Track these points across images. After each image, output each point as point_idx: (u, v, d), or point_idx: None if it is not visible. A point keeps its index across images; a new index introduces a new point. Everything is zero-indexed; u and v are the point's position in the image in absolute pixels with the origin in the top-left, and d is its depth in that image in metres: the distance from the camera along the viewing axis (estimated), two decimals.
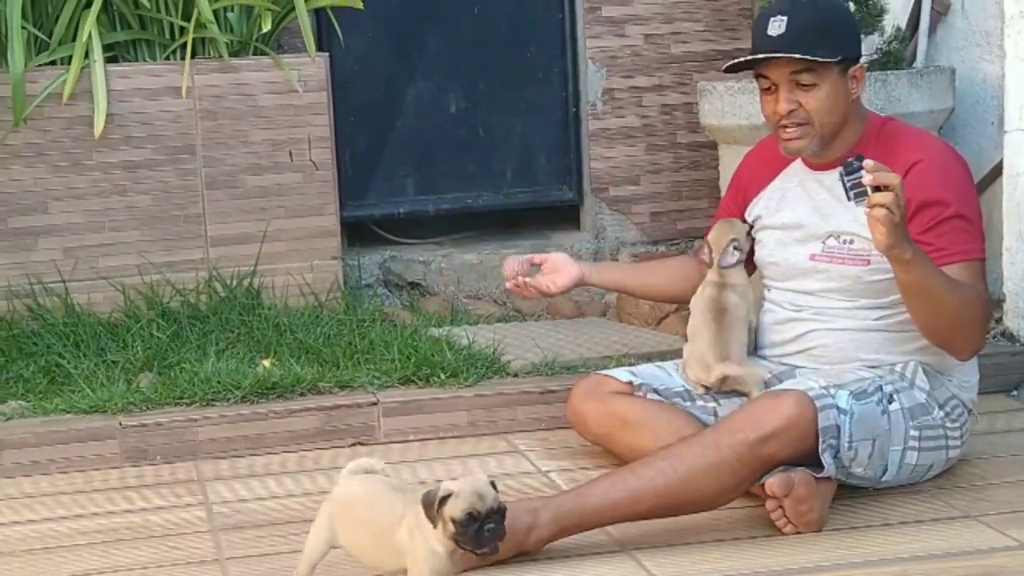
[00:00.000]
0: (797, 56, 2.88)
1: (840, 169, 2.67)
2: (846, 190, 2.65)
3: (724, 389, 3.08)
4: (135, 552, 2.79)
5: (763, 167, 3.17)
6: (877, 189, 2.61)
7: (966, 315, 2.81)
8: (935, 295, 2.76)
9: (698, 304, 3.13)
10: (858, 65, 2.96)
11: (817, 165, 3.04)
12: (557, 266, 3.31)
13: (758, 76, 2.98)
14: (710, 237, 3.17)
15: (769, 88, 2.96)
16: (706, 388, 3.10)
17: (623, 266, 3.53)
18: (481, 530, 2.33)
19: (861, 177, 2.62)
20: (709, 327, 3.07)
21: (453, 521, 2.32)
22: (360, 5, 4.27)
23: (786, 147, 3.00)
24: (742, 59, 2.97)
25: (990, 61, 4.08)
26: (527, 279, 3.27)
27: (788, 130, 2.96)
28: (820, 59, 2.89)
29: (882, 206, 2.60)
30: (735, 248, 3.12)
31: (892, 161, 2.91)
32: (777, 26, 2.90)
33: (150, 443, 3.37)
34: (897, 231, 2.64)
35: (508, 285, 3.31)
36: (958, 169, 2.95)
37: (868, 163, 2.62)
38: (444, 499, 2.32)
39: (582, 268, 3.32)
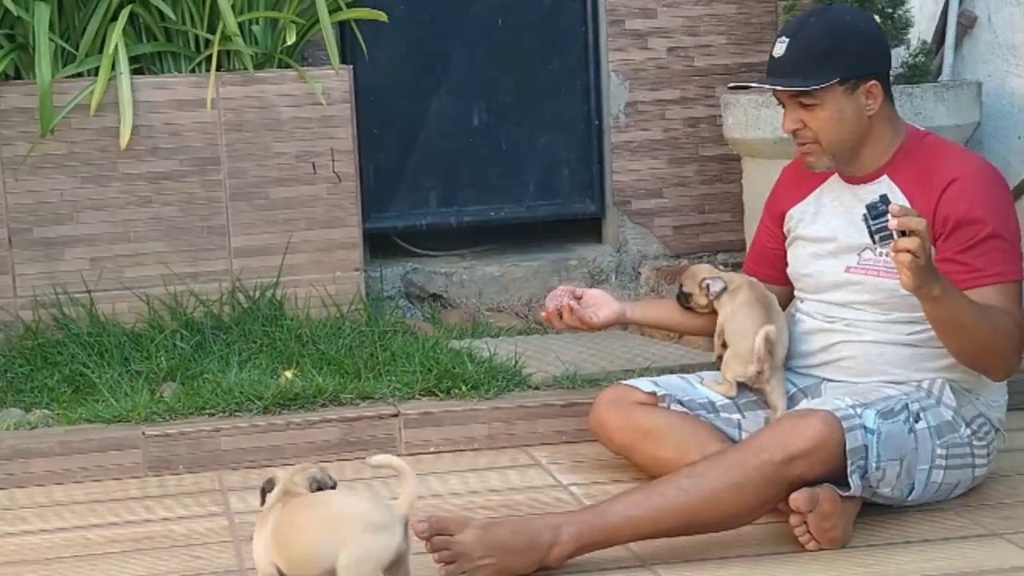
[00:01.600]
0: (778, 88, 2.92)
1: (864, 212, 2.64)
2: (871, 233, 2.63)
3: (756, 386, 3.07)
4: (157, 561, 2.80)
5: (800, 180, 3.16)
6: (903, 232, 2.59)
7: (999, 343, 2.79)
8: (966, 326, 2.75)
9: (740, 305, 3.13)
10: (871, 82, 2.92)
11: (852, 179, 3.03)
12: (597, 300, 3.30)
13: (773, 94, 3.02)
14: (686, 287, 3.23)
15: (781, 104, 2.99)
16: (739, 388, 3.10)
17: (662, 303, 3.51)
18: None
19: (886, 221, 2.59)
20: (758, 318, 3.08)
21: None
22: (385, 18, 4.28)
23: (804, 162, 3.01)
24: (737, 84, 3.12)
25: (1017, 75, 4.06)
26: (571, 303, 3.24)
27: (799, 146, 2.98)
28: (797, 88, 2.88)
29: (908, 251, 2.59)
30: (710, 282, 3.17)
31: (929, 177, 2.90)
32: (779, 48, 2.93)
33: (173, 453, 3.38)
34: (923, 272, 2.62)
35: (546, 313, 3.26)
36: (997, 188, 2.92)
37: (894, 207, 2.59)
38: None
39: (623, 305, 3.33)
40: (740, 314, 3.11)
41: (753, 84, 3.04)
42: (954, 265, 2.83)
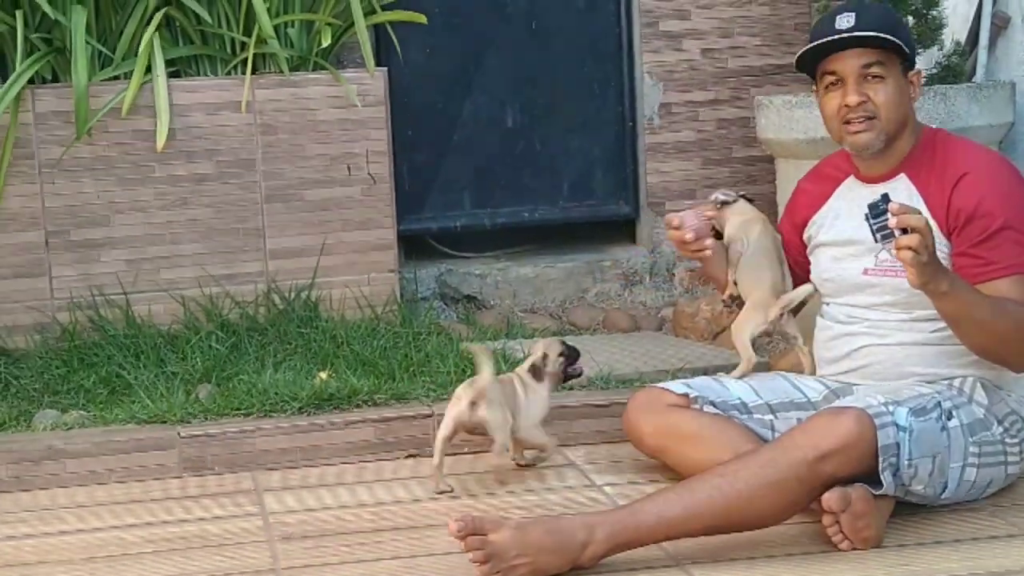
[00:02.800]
0: (873, 35, 2.90)
1: (866, 211, 2.66)
2: (872, 232, 2.65)
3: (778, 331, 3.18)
4: (192, 561, 2.82)
5: (816, 188, 3.17)
6: (905, 231, 2.60)
7: (1016, 335, 2.79)
8: (979, 320, 2.75)
9: (756, 246, 3.18)
10: (916, 70, 2.99)
11: (870, 178, 3.03)
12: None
13: (823, 74, 2.99)
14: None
15: (835, 83, 2.97)
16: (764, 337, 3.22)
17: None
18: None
19: (887, 220, 2.61)
20: (773, 266, 3.16)
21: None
22: (424, 20, 4.30)
23: (853, 142, 2.99)
24: (817, 42, 2.97)
25: None
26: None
27: (855, 124, 2.96)
28: (896, 42, 2.91)
29: (909, 248, 2.59)
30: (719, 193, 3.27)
31: (941, 174, 2.91)
32: (847, 20, 2.93)
33: (208, 453, 3.40)
34: (927, 269, 2.63)
35: (689, 236, 3.16)
36: (1008, 180, 2.93)
37: (893, 206, 2.61)
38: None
39: None
40: (756, 256, 3.17)
41: (835, 36, 2.94)
42: (967, 259, 2.83)
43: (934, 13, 4.01)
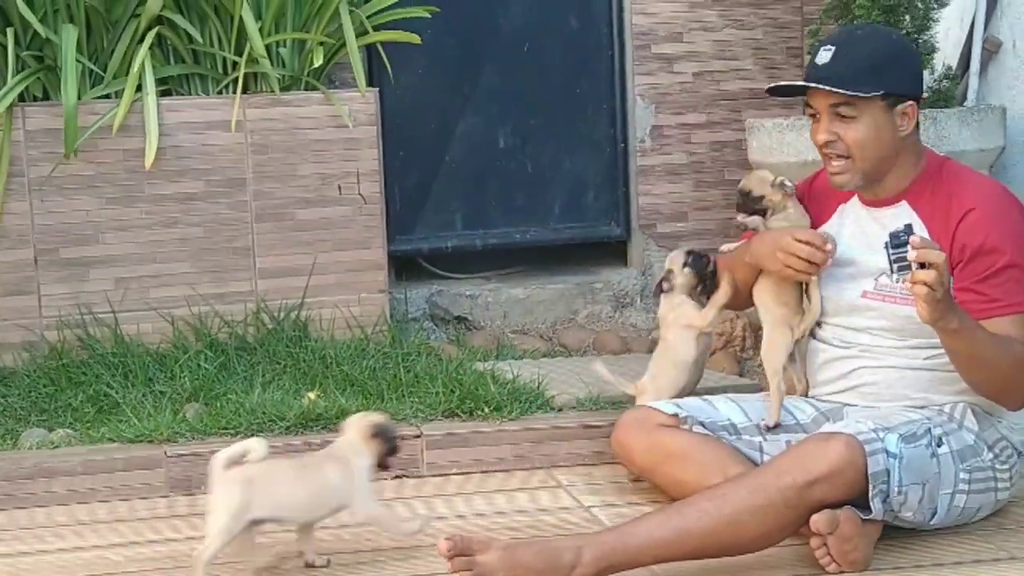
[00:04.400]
0: (826, 89, 2.89)
1: (886, 240, 2.64)
2: (890, 262, 2.63)
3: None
4: None
5: (822, 199, 3.16)
6: (922, 265, 2.58)
7: (1016, 375, 2.79)
8: (983, 359, 2.74)
9: None
10: (909, 103, 2.93)
11: (872, 202, 3.03)
12: None
13: (807, 104, 3.00)
14: (756, 191, 3.19)
15: (814, 115, 2.98)
16: None
17: None
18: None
19: (906, 251, 2.59)
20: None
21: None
22: (417, 40, 4.30)
23: (832, 180, 3.00)
24: (781, 84, 3.06)
25: None
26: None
27: (832, 162, 2.96)
28: (850, 93, 2.88)
29: (925, 284, 2.58)
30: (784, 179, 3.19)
31: (947, 205, 2.90)
32: (824, 56, 2.92)
33: (195, 472, 3.38)
34: (940, 305, 2.62)
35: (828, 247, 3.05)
36: (1014, 216, 2.91)
37: (915, 239, 2.59)
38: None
39: None
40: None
41: (799, 83, 2.99)
42: (970, 295, 2.82)
43: (925, 37, 4.02)
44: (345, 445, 2.83)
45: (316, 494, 2.76)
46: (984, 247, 2.83)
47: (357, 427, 2.84)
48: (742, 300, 3.31)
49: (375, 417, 2.88)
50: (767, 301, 3.16)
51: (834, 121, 2.92)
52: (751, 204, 3.19)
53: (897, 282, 2.90)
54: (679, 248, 3.45)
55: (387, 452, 2.84)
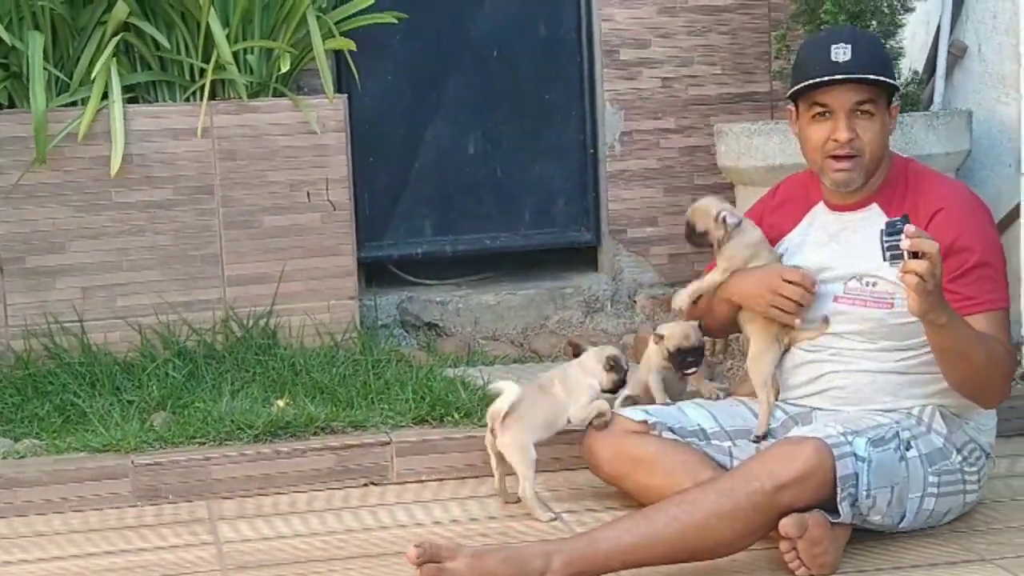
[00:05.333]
0: (872, 78, 2.87)
1: (882, 227, 2.62)
2: (883, 249, 2.61)
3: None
4: None
5: (791, 206, 3.15)
6: (915, 255, 2.57)
7: (996, 371, 2.80)
8: (967, 356, 2.75)
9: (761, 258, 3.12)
10: (895, 103, 2.98)
11: (840, 206, 3.03)
12: None
13: (811, 104, 2.95)
14: (700, 225, 3.14)
15: (824, 114, 2.94)
16: None
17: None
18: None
19: (900, 240, 2.57)
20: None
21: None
22: (395, 20, 4.29)
23: (834, 179, 2.97)
24: (814, 80, 2.91)
25: (1007, 103, 4.07)
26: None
27: (840, 162, 2.94)
28: (892, 82, 2.90)
29: (915, 273, 2.58)
30: (726, 214, 3.12)
31: (915, 206, 2.91)
32: (843, 53, 2.89)
33: (162, 482, 3.36)
34: (930, 298, 2.61)
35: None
36: (982, 216, 2.94)
37: (909, 228, 2.57)
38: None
39: None
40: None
41: (835, 76, 2.88)
42: (945, 294, 2.82)
43: (892, 43, 4.03)
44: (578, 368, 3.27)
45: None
46: (955, 246, 2.83)
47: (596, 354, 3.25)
48: (725, 332, 3.34)
49: (611, 350, 3.26)
50: (755, 314, 3.13)
51: (853, 119, 2.91)
52: (696, 239, 3.14)
53: (867, 284, 2.91)
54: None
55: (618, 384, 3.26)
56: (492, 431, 3.14)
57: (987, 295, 2.85)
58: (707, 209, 3.12)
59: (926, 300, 2.61)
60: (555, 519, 3.09)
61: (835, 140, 2.92)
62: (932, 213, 2.88)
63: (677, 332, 3.26)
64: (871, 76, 2.89)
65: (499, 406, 3.12)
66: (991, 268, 2.86)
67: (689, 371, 3.30)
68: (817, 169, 3.01)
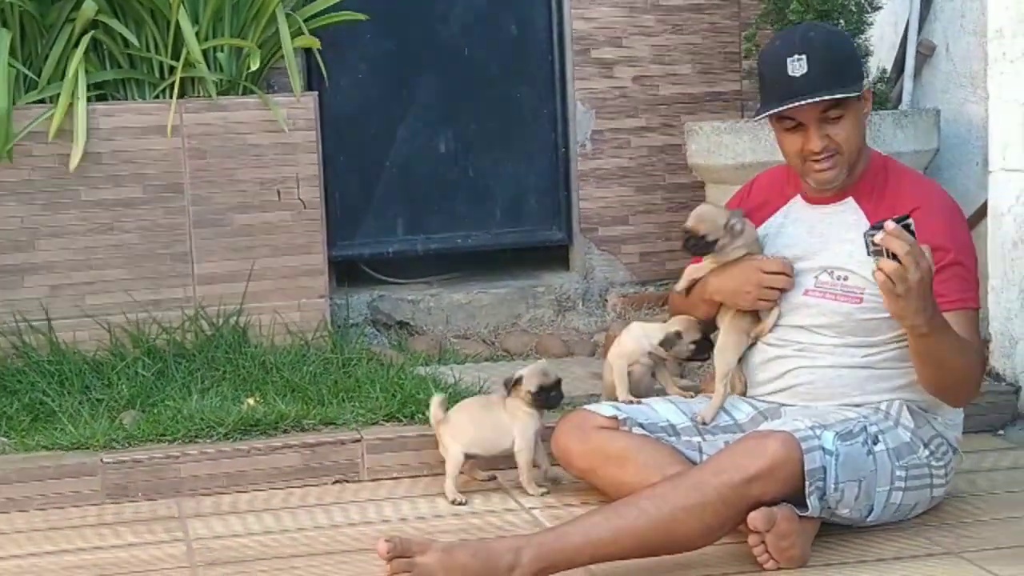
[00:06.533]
0: (827, 98, 2.88)
1: (870, 226, 2.62)
2: (867, 244, 2.61)
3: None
4: None
5: (767, 198, 3.17)
6: (894, 256, 2.56)
7: (968, 373, 2.82)
8: (946, 365, 2.77)
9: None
10: (868, 87, 3.00)
11: (817, 199, 3.05)
12: None
13: (780, 119, 2.96)
14: (710, 235, 3.10)
15: (795, 127, 2.95)
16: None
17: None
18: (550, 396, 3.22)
19: (874, 236, 2.56)
20: None
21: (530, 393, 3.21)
22: (364, 17, 4.28)
23: (818, 179, 2.98)
24: (774, 111, 2.92)
25: (974, 102, 4.10)
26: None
27: (820, 163, 2.95)
28: (843, 96, 2.89)
29: (884, 273, 2.58)
30: (736, 222, 3.10)
31: (892, 203, 2.93)
32: (798, 66, 2.89)
33: (132, 480, 3.35)
34: (900, 302, 2.61)
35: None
36: (956, 217, 2.96)
37: (889, 224, 2.56)
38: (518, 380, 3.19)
39: None
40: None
41: (792, 104, 2.89)
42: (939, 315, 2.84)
43: (860, 41, 4.05)
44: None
45: None
46: (930, 245, 2.84)
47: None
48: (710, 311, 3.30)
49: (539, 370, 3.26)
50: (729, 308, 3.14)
51: (823, 125, 2.92)
52: (700, 247, 3.12)
53: (838, 278, 2.93)
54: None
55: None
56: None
57: (958, 294, 2.86)
58: (715, 218, 3.09)
59: (895, 303, 2.62)
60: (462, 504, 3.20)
61: (809, 150, 2.94)
62: (908, 211, 2.89)
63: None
64: (826, 97, 2.88)
65: (433, 412, 3.26)
66: (964, 268, 2.88)
67: (700, 357, 3.28)
68: (800, 174, 3.02)
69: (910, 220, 2.61)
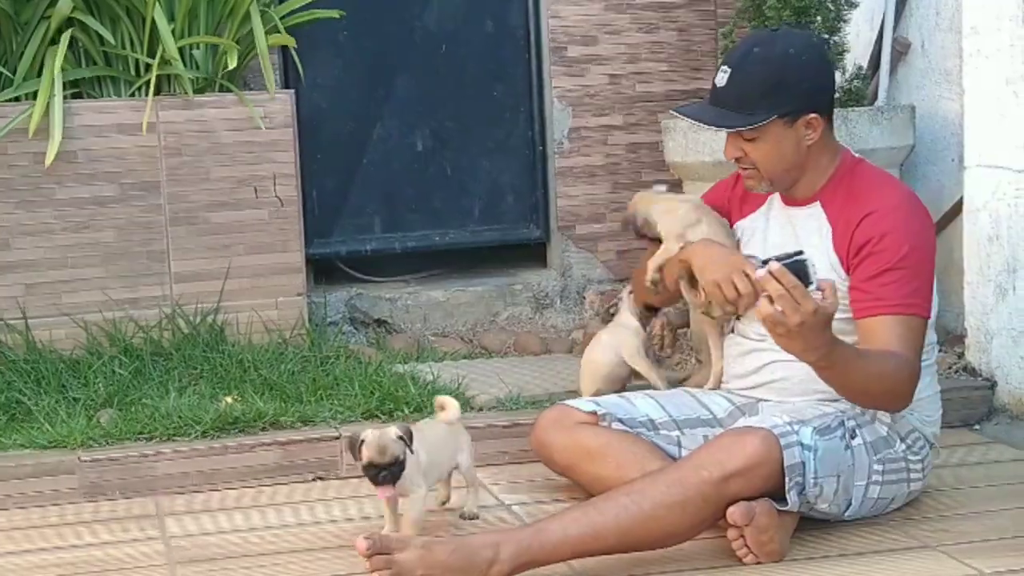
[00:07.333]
0: (703, 123, 2.96)
1: (762, 262, 2.62)
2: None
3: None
4: None
5: (749, 193, 3.17)
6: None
7: (888, 391, 2.81)
8: (855, 385, 2.76)
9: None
10: (811, 115, 2.91)
11: (790, 201, 3.06)
12: None
13: None
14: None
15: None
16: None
17: None
18: (377, 476, 2.78)
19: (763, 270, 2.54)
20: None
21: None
22: (337, 15, 4.28)
23: (745, 184, 3.05)
24: (674, 113, 3.10)
25: (950, 99, 4.12)
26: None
27: (743, 171, 3.00)
28: (734, 129, 2.90)
29: (761, 313, 2.57)
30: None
31: (852, 207, 2.92)
32: (722, 78, 2.93)
33: (109, 478, 3.34)
34: (783, 341, 2.59)
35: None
36: (915, 222, 2.91)
37: (773, 265, 2.53)
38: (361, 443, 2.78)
39: None
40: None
41: (688, 119, 3.03)
42: (858, 292, 2.86)
43: (836, 38, 4.07)
44: None
45: None
46: (877, 247, 2.84)
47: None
48: (670, 296, 3.31)
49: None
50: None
51: (738, 140, 2.94)
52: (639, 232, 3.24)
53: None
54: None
55: None
56: None
57: (898, 298, 2.82)
58: (644, 194, 3.28)
59: (779, 341, 2.60)
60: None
61: (725, 156, 2.99)
62: (863, 215, 2.89)
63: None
64: (703, 122, 2.94)
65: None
66: (909, 272, 2.84)
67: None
68: None
69: (803, 257, 2.56)
